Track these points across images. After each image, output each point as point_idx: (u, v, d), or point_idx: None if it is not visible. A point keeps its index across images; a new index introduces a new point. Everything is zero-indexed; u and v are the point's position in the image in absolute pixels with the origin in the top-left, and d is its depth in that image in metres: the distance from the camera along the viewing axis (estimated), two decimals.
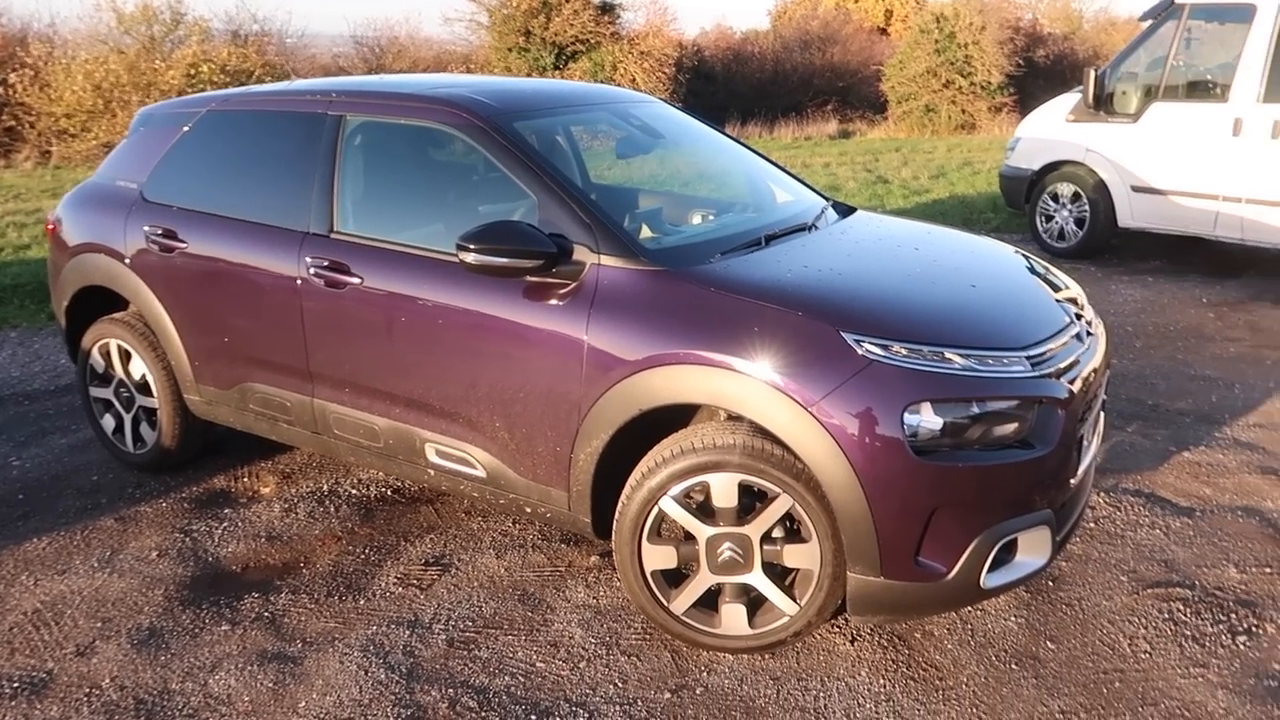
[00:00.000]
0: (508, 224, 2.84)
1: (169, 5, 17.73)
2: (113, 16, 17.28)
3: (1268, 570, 3.21)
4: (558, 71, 20.51)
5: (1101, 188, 7.44)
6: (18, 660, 2.81)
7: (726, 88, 22.88)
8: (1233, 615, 2.97)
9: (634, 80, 19.99)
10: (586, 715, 2.56)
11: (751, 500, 2.68)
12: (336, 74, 19.79)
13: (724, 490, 2.66)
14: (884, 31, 30.06)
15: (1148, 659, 2.77)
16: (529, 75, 20.12)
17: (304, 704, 2.61)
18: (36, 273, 7.13)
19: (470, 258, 2.77)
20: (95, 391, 4.09)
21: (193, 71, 16.62)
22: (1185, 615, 2.97)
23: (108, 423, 4.08)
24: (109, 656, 2.82)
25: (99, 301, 4.04)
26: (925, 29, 21.28)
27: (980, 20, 20.87)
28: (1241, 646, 2.82)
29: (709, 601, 2.77)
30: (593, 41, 20.53)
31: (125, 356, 3.93)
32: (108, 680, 2.72)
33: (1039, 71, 23.10)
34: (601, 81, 19.63)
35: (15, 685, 2.70)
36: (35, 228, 9.23)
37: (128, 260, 3.78)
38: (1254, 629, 2.90)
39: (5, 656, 2.83)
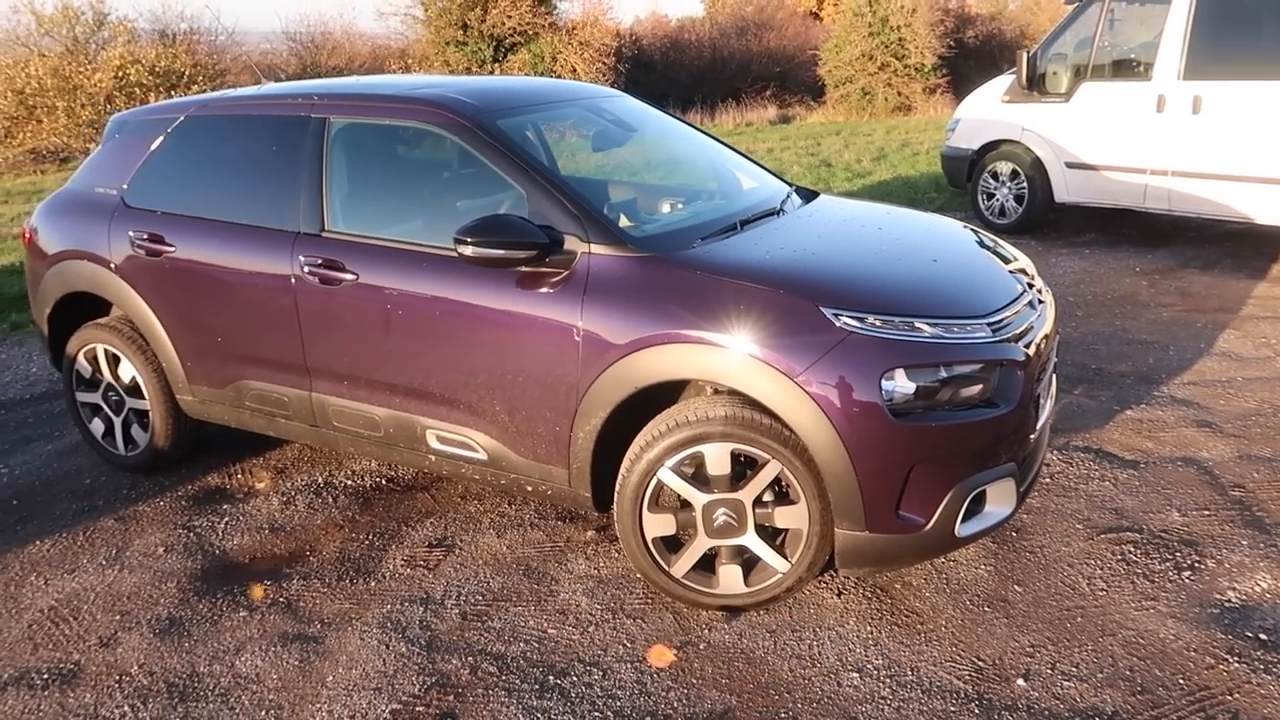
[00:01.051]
0: (502, 218, 2.99)
1: (91, 5, 17.30)
2: (31, 19, 16.80)
3: (1206, 513, 3.52)
4: (497, 64, 20.50)
5: (1038, 165, 7.80)
6: (43, 654, 2.91)
7: (665, 76, 23.10)
8: (1177, 554, 3.26)
9: (574, 70, 20.08)
10: (601, 673, 2.75)
11: (742, 467, 2.89)
12: (267, 71, 19.46)
13: (717, 459, 2.86)
14: (817, 16, 30.53)
15: (1105, 596, 3.05)
16: (468, 69, 20.09)
17: (331, 678, 2.76)
18: None
19: (468, 250, 2.92)
20: (83, 396, 4.14)
21: (120, 74, 16.24)
22: (1136, 556, 3.25)
23: (97, 427, 4.14)
24: (133, 645, 2.93)
25: (80, 307, 4.09)
26: (859, 12, 21.70)
27: (911, 3, 21.35)
28: (1186, 580, 3.11)
29: (706, 564, 2.98)
30: (531, 33, 20.56)
31: (113, 361, 3.99)
32: (136, 667, 2.83)
33: (969, 52, 23.73)
34: (541, 73, 19.68)
35: (45, 677, 2.80)
36: None
37: (113, 266, 3.84)
38: (1196, 565, 3.19)
39: (30, 651, 2.92)
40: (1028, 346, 2.93)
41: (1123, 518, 3.50)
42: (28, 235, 4.21)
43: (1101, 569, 3.19)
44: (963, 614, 2.98)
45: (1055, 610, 2.98)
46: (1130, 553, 3.27)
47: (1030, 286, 3.28)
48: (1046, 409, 3.22)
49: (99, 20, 17.38)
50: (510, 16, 20.14)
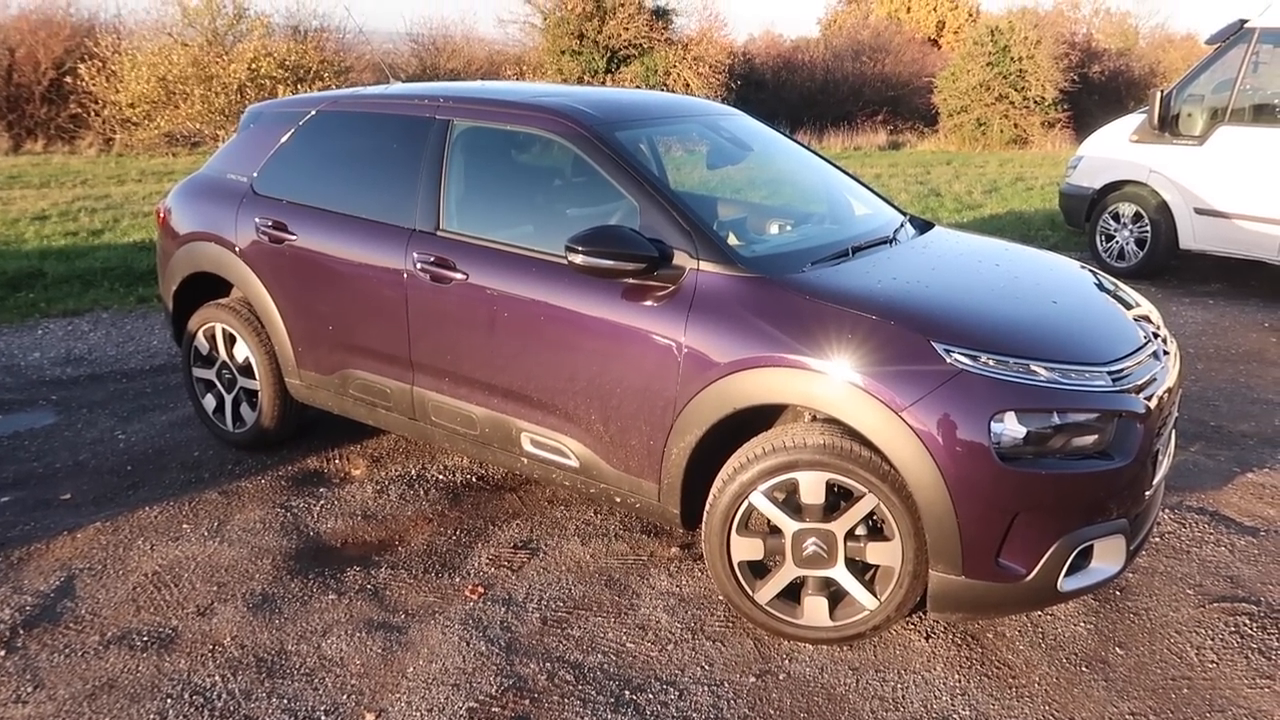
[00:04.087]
0: (614, 229, 3.00)
1: (232, 0, 18.11)
2: (178, 10, 17.67)
3: None
4: (609, 75, 20.73)
5: (1164, 209, 7.48)
6: (144, 617, 3.03)
7: (776, 95, 23.00)
8: None
9: (687, 86, 20.16)
10: (677, 693, 2.72)
11: (837, 498, 2.83)
12: (392, 70, 20.10)
13: (812, 487, 2.80)
14: (935, 43, 30.01)
15: (1215, 669, 2.87)
16: (581, 78, 20.37)
17: (412, 669, 2.80)
18: (124, 257, 7.45)
19: (578, 259, 2.94)
20: (198, 372, 4.32)
21: (253, 66, 16.95)
22: (1251, 629, 3.06)
23: (209, 402, 4.31)
24: (227, 617, 3.03)
25: (204, 287, 4.26)
26: (979, 41, 21.25)
27: (1035, 34, 20.80)
28: None
29: (792, 593, 2.92)
30: (645, 46, 20.73)
31: (229, 340, 4.15)
32: (229, 639, 2.92)
33: (1094, 88, 22.97)
34: (653, 86, 19.82)
35: (145, 639, 2.91)
36: (106, 213, 9.60)
37: (238, 249, 3.99)
38: None
39: (132, 613, 3.05)
40: (1149, 399, 2.80)
41: (1239, 587, 3.30)
42: (161, 215, 4.42)
43: (1212, 639, 3.01)
44: (1058, 672, 2.85)
45: (1159, 678, 2.83)
46: (1245, 625, 3.08)
47: (1155, 336, 3.13)
48: (1164, 466, 3.07)
49: (238, 14, 18.19)
50: (627, 29, 20.36)
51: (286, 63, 17.34)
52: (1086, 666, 2.88)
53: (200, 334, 4.24)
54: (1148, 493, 2.86)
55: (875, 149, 20.09)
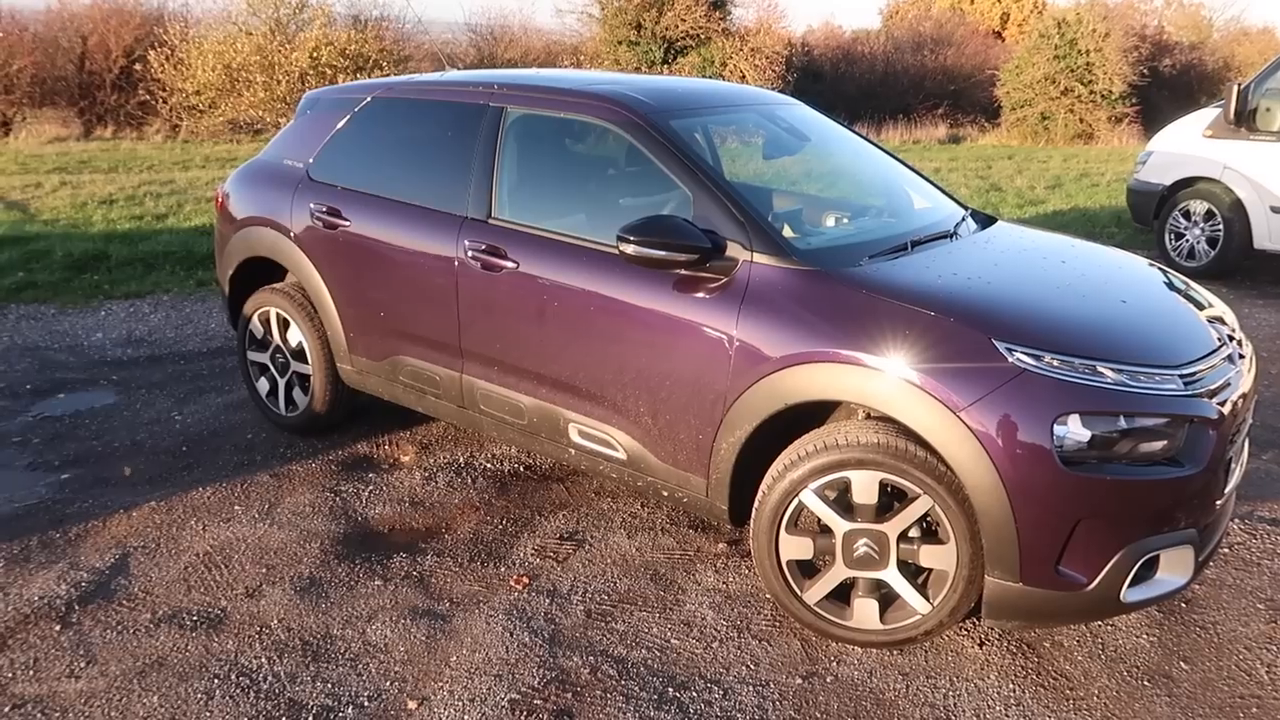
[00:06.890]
0: (667, 218, 2.95)
1: None
2: None
3: None
4: (666, 66, 20.64)
5: (1238, 207, 7.20)
6: (194, 597, 3.07)
7: (834, 87, 22.71)
8: None
9: (743, 76, 20.00)
10: (722, 692, 2.67)
11: (890, 498, 2.75)
12: (444, 60, 20.21)
13: (865, 487, 2.73)
14: (999, 35, 29.38)
15: None
16: (638, 68, 20.31)
17: (455, 658, 2.79)
18: (185, 242, 7.59)
19: (630, 249, 2.90)
20: (253, 356, 4.37)
21: (315, 54, 17.18)
22: None
23: (262, 386, 4.36)
24: (275, 600, 3.05)
25: (260, 271, 4.31)
26: (1045, 34, 20.75)
27: (1104, 27, 20.25)
28: None
29: (841, 594, 2.85)
30: (703, 37, 20.61)
31: (284, 324, 4.19)
32: (276, 621, 2.95)
33: (1164, 82, 22.32)
34: (710, 77, 19.68)
35: (194, 619, 2.95)
36: (170, 198, 9.79)
37: (292, 235, 4.02)
38: None
39: (183, 593, 3.09)
40: (1222, 404, 2.67)
41: None
42: (220, 200, 4.47)
43: None
44: (1118, 685, 2.74)
45: (1226, 696, 2.71)
46: None
47: (1230, 339, 2.99)
48: (1236, 475, 2.93)
49: (301, 3, 18.44)
50: (685, 20, 20.26)
51: (347, 51, 17.55)
52: (1149, 681, 2.77)
53: (255, 318, 4.28)
54: (1218, 502, 2.74)
55: (935, 142, 19.73)
